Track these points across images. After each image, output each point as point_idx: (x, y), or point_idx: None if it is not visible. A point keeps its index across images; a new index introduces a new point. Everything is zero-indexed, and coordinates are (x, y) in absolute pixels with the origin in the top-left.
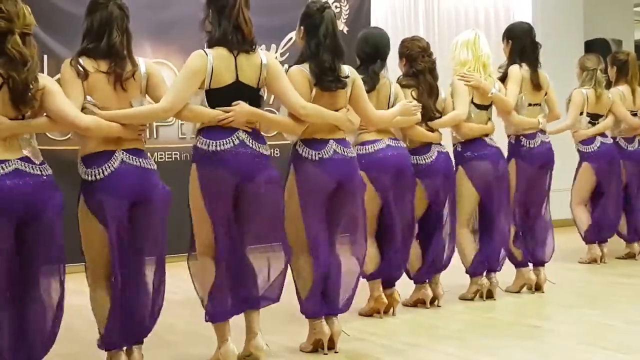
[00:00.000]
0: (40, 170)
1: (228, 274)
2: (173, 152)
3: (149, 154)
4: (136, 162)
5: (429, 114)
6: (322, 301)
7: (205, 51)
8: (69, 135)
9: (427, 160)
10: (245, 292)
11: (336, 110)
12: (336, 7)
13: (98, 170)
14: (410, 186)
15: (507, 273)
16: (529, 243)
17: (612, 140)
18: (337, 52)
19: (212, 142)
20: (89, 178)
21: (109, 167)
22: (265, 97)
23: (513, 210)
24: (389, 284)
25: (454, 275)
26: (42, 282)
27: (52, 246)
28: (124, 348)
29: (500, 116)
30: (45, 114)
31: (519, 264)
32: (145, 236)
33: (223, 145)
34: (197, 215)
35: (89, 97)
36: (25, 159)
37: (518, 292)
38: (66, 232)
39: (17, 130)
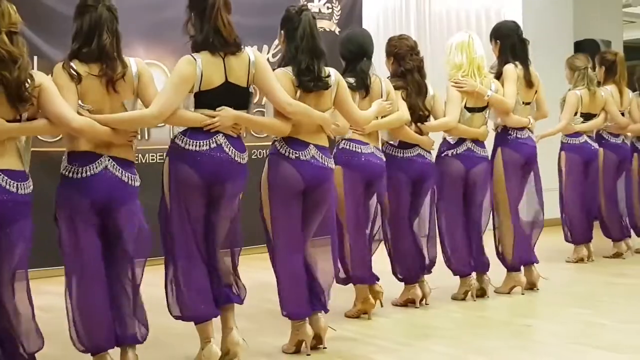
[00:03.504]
0: (18, 188)
1: (200, 273)
2: (165, 153)
3: (146, 155)
4: (119, 172)
5: (418, 114)
6: (304, 302)
7: (193, 56)
8: (60, 137)
9: (404, 155)
10: (217, 291)
11: (322, 112)
12: (328, 7)
13: (79, 168)
14: (383, 191)
15: (498, 272)
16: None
17: (597, 145)
18: (315, 53)
19: (190, 141)
20: (67, 174)
21: (91, 169)
22: (254, 95)
23: (510, 206)
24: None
25: (443, 274)
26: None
27: (13, 260)
28: (118, 349)
29: (498, 116)
30: (42, 115)
31: (510, 268)
32: (115, 241)
33: (199, 146)
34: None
35: (80, 103)
36: (6, 172)
37: (508, 293)
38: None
39: (15, 133)
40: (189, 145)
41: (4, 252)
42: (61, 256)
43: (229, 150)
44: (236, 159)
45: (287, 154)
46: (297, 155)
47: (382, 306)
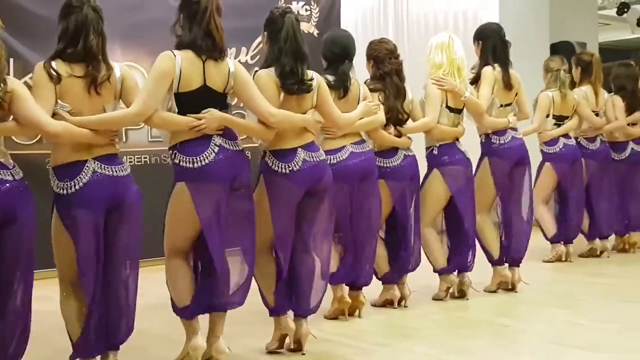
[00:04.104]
0: (13, 175)
1: (205, 274)
2: (143, 156)
3: (124, 157)
4: (108, 170)
5: (396, 117)
6: (287, 298)
7: (173, 52)
8: (36, 139)
9: (393, 164)
10: (217, 294)
11: (304, 113)
12: (306, 9)
13: (70, 183)
14: (374, 190)
15: (481, 273)
16: (506, 242)
17: (574, 142)
18: (298, 55)
19: (196, 159)
20: (62, 192)
21: (82, 179)
22: (232, 103)
23: (490, 208)
24: (354, 286)
25: (423, 276)
26: (13, 288)
27: (23, 251)
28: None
29: (473, 118)
30: (12, 117)
31: (495, 262)
32: (120, 241)
33: (206, 158)
34: (181, 221)
35: (60, 102)
36: None
37: (496, 291)
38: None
39: None
40: (197, 162)
41: (13, 248)
42: (57, 263)
43: (229, 144)
44: (237, 148)
45: (279, 169)
46: (290, 168)
47: (359, 316)
